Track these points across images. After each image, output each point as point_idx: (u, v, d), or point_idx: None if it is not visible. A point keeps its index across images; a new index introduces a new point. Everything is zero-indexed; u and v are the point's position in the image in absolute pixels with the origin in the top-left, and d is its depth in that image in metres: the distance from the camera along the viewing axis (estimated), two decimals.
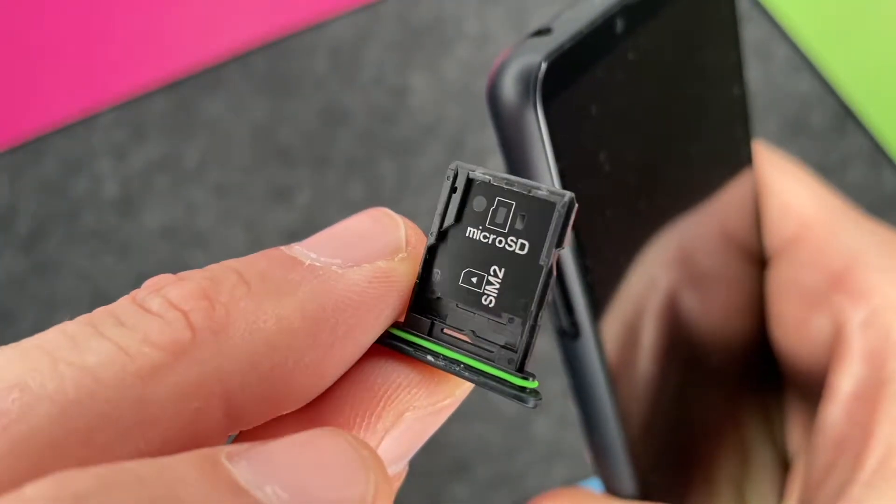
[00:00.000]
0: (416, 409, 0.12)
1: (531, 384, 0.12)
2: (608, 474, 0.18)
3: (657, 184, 0.17)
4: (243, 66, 0.41)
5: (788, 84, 0.40)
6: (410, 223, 0.14)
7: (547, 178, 0.14)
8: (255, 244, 0.39)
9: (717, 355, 0.21)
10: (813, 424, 0.22)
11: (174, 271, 0.37)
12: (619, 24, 0.15)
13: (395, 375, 0.13)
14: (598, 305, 0.16)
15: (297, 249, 0.13)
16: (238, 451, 0.10)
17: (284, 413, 0.12)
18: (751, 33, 0.40)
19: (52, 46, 0.41)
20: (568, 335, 0.16)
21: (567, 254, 0.15)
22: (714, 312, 0.21)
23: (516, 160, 0.14)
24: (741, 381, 0.23)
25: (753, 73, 0.40)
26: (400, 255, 0.13)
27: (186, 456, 0.10)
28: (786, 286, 0.21)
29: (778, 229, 0.21)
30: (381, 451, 0.12)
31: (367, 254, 0.13)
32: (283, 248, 0.13)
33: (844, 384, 0.19)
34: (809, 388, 0.23)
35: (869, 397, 0.19)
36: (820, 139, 0.40)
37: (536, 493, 0.39)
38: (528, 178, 0.14)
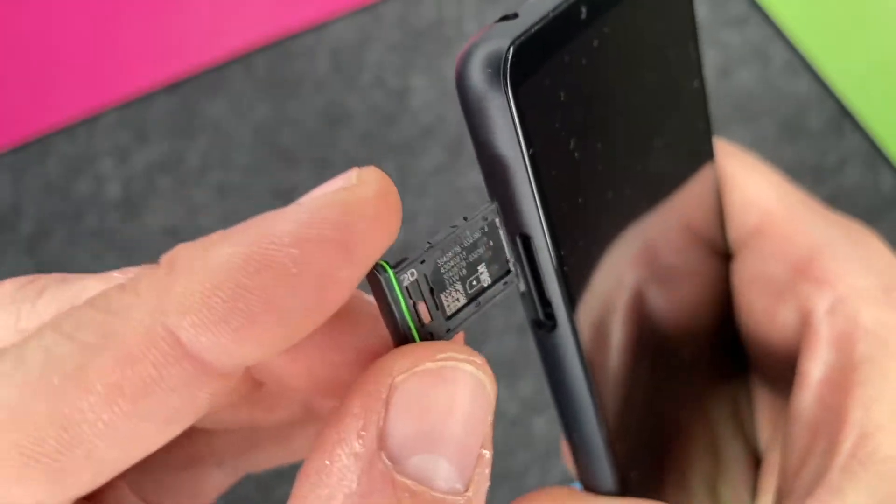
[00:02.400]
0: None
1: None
2: (587, 471, 0.18)
3: (625, 175, 0.17)
4: (245, 67, 0.41)
5: (786, 85, 0.40)
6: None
7: (519, 164, 0.14)
8: None
9: (685, 350, 0.21)
10: (782, 418, 0.23)
11: None
12: (584, 12, 0.15)
13: (369, 341, 0.14)
14: (573, 296, 0.15)
15: None
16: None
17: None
18: (749, 35, 0.40)
19: (54, 48, 0.42)
20: (545, 327, 0.16)
21: (541, 242, 0.15)
22: (681, 307, 0.21)
23: (486, 145, 0.14)
24: (710, 376, 0.23)
25: (752, 75, 0.40)
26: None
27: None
28: (751, 278, 0.22)
29: (741, 222, 0.22)
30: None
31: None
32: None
33: (815, 371, 0.19)
34: (778, 380, 0.23)
35: (840, 382, 0.19)
36: (818, 140, 0.40)
37: (565, 479, 0.39)
38: (498, 164, 0.14)
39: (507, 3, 0.41)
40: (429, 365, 0.12)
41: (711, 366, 0.23)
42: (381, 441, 0.12)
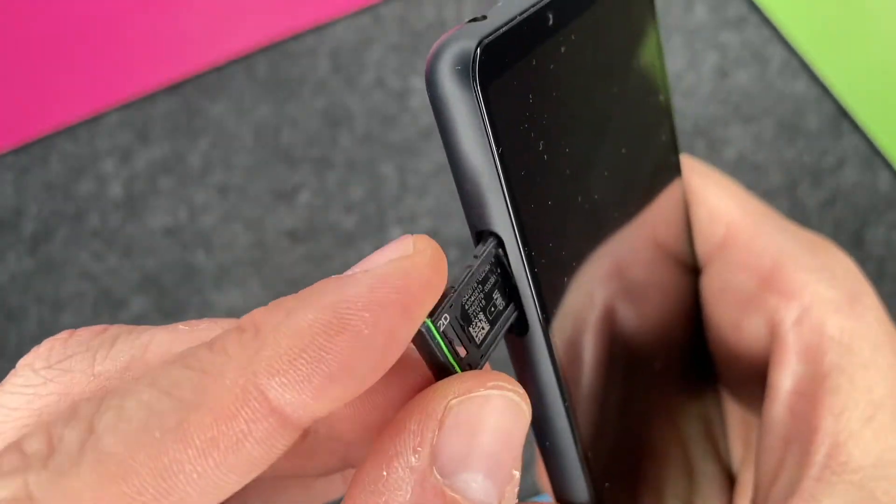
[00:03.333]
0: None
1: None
2: (561, 483, 0.18)
3: (594, 183, 0.17)
4: (246, 68, 0.41)
5: (785, 87, 0.40)
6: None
7: (488, 161, 0.14)
8: (257, 244, 0.39)
9: (657, 366, 0.21)
10: (753, 436, 0.23)
11: (178, 271, 0.38)
12: (551, 18, 0.15)
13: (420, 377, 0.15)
14: (544, 300, 0.15)
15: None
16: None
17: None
18: (748, 36, 0.40)
19: (56, 49, 0.42)
20: (514, 331, 0.16)
21: (511, 241, 0.15)
22: (652, 322, 0.21)
23: (455, 144, 0.14)
24: (683, 394, 0.22)
25: (750, 76, 0.40)
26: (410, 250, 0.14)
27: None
28: (719, 290, 0.22)
29: (707, 235, 0.22)
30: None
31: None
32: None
33: (784, 382, 0.20)
34: (748, 395, 0.23)
35: (810, 393, 0.19)
36: (816, 140, 0.40)
37: (531, 492, 0.39)
38: (468, 161, 0.14)
39: None
40: (481, 391, 0.14)
41: (683, 383, 0.22)
42: (434, 457, 0.13)
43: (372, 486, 0.13)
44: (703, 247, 0.22)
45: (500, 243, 0.15)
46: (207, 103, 0.41)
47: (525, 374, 0.16)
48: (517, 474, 0.14)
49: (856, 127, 0.40)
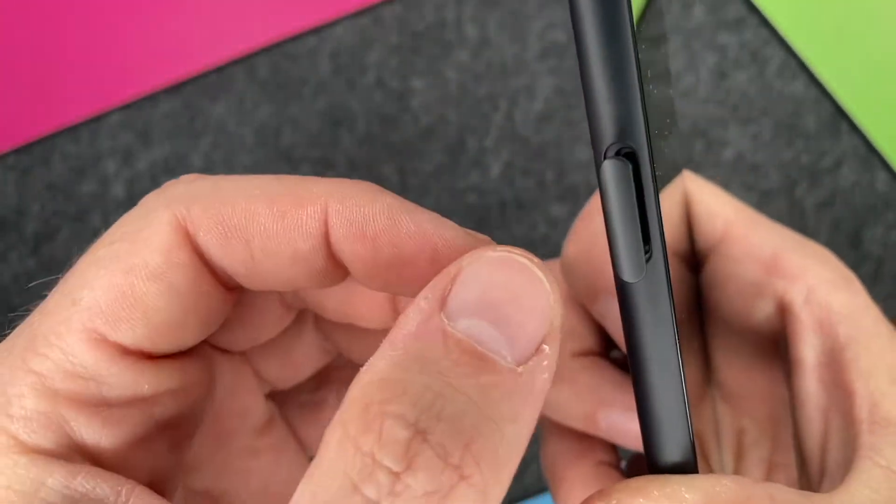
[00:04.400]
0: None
1: None
2: (666, 445, 0.16)
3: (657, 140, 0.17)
4: (247, 69, 0.41)
5: (783, 87, 0.40)
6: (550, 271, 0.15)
7: (632, 65, 0.14)
8: None
9: None
10: (747, 441, 0.24)
11: None
12: None
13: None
14: (663, 236, 0.15)
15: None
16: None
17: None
18: (746, 38, 0.41)
19: (58, 49, 0.42)
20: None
21: (645, 159, 0.14)
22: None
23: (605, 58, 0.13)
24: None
25: (749, 77, 0.41)
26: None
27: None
28: (724, 279, 0.23)
29: (708, 231, 0.24)
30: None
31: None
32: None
33: (808, 355, 0.21)
34: (751, 389, 0.24)
35: (834, 362, 0.20)
36: (814, 141, 0.40)
37: (536, 488, 0.40)
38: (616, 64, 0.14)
39: (507, 4, 0.42)
40: (490, 254, 0.15)
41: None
42: (442, 303, 0.14)
43: (392, 330, 0.15)
44: (703, 242, 0.24)
45: (636, 163, 0.14)
46: (208, 104, 0.41)
47: (642, 315, 0.15)
48: (547, 349, 0.14)
49: (854, 127, 0.40)
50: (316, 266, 0.17)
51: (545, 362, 0.14)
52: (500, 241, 0.16)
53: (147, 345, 0.17)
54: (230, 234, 0.17)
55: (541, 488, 0.39)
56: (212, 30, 0.42)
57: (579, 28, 0.13)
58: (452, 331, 0.14)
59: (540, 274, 0.15)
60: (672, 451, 0.17)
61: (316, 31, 0.41)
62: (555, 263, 0.25)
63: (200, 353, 0.19)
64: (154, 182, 0.40)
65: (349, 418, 0.13)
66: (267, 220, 0.17)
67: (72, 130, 0.41)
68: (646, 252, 0.15)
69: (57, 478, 0.15)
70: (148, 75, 0.41)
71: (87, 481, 0.15)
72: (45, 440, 0.16)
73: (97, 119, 0.41)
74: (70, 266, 0.18)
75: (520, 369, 0.14)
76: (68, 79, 0.42)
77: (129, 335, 0.16)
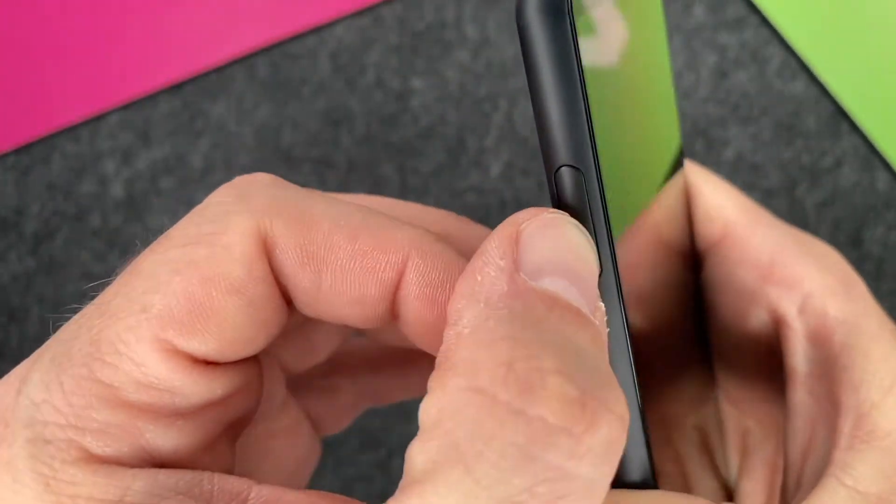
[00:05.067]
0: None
1: None
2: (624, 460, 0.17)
3: (627, 146, 0.18)
4: (247, 69, 0.41)
5: (783, 87, 0.40)
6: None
7: (577, 97, 0.15)
8: None
9: (659, 372, 0.21)
10: (751, 441, 0.24)
11: None
12: None
13: None
14: (613, 244, 0.16)
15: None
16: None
17: None
18: (746, 37, 0.41)
19: (57, 49, 0.42)
20: None
21: (591, 175, 0.15)
22: (661, 322, 0.21)
23: (544, 77, 0.15)
24: (679, 404, 0.22)
25: (749, 77, 0.41)
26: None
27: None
28: (721, 284, 0.23)
29: (707, 232, 0.23)
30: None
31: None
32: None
33: (800, 367, 0.21)
34: (750, 391, 0.24)
35: (826, 373, 0.20)
36: (814, 141, 0.40)
37: None
38: (553, 95, 0.15)
39: (507, 4, 0.42)
40: (546, 215, 0.15)
41: (680, 391, 0.22)
42: (517, 264, 0.14)
43: (470, 291, 0.14)
44: (702, 242, 0.23)
45: (582, 177, 0.15)
46: (208, 104, 0.41)
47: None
48: (602, 306, 0.15)
49: (854, 127, 0.40)
50: (373, 311, 0.17)
51: (604, 318, 0.15)
52: None
53: (216, 355, 0.16)
54: (306, 261, 0.17)
55: None
56: (211, 30, 0.42)
57: (530, 61, 0.15)
58: (545, 289, 0.14)
59: (584, 237, 0.15)
60: (631, 467, 0.17)
61: (316, 31, 0.41)
62: None
63: None
64: (153, 182, 0.40)
65: (490, 381, 0.13)
66: (345, 256, 0.17)
67: (71, 130, 0.41)
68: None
69: (139, 483, 0.15)
70: (147, 75, 0.41)
71: (169, 478, 0.15)
72: (119, 451, 0.15)
73: (97, 119, 0.41)
74: (129, 260, 0.18)
75: (595, 318, 0.15)
76: (68, 78, 0.42)
77: (202, 347, 0.16)
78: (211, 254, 0.16)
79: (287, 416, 0.22)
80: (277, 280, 0.17)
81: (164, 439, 0.16)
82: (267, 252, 0.17)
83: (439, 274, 0.16)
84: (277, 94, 0.41)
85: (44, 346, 0.17)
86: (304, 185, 0.44)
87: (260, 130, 0.41)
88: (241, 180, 0.18)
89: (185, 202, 0.40)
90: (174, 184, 0.40)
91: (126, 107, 0.41)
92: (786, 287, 0.21)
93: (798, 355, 0.21)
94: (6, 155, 0.41)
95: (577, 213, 0.15)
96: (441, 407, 0.13)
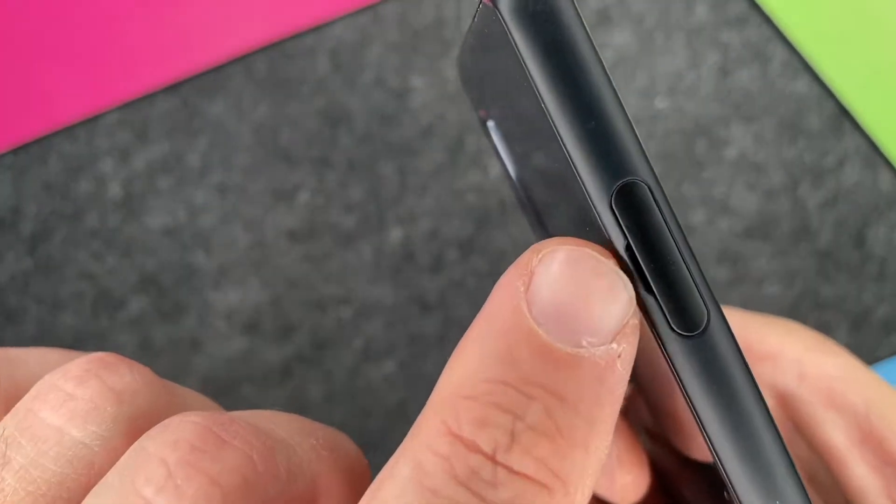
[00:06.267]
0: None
1: None
2: None
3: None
4: (245, 67, 0.41)
5: (786, 86, 0.40)
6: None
7: (616, 97, 0.12)
8: (256, 244, 0.39)
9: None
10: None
11: (177, 271, 0.38)
12: None
13: None
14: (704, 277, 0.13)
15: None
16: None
17: None
18: (749, 35, 0.40)
19: (54, 48, 0.42)
20: (695, 330, 0.13)
21: (661, 197, 0.13)
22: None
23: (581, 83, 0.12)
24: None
25: (751, 75, 0.40)
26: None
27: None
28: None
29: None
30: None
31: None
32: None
33: (837, 439, 0.19)
34: None
35: (869, 436, 0.19)
36: (817, 140, 0.40)
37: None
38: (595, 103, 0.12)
39: None
40: (567, 247, 0.13)
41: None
42: (528, 301, 0.13)
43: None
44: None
45: (651, 193, 0.13)
46: (206, 103, 0.41)
47: (713, 382, 0.13)
48: (615, 346, 0.13)
49: (857, 126, 0.40)
50: None
51: (621, 362, 0.13)
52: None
53: None
54: None
55: None
56: (209, 28, 0.42)
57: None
58: (540, 332, 0.13)
59: (615, 270, 0.13)
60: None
61: (314, 29, 0.41)
62: None
63: None
64: (151, 182, 0.40)
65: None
66: None
67: (68, 130, 0.41)
68: (696, 318, 0.13)
69: None
70: (145, 74, 0.41)
71: None
72: None
73: (94, 118, 0.41)
74: None
75: (600, 369, 0.13)
76: (65, 78, 0.41)
77: None
78: None
79: None
80: None
81: None
82: None
83: None
84: (276, 92, 0.41)
85: None
86: (303, 184, 0.43)
87: (258, 129, 0.40)
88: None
89: (183, 202, 0.40)
90: (172, 183, 0.40)
91: (124, 106, 0.41)
92: (772, 360, 0.20)
93: (829, 427, 0.19)
94: (3, 155, 0.41)
95: (654, 241, 0.13)
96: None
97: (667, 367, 0.13)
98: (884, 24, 0.39)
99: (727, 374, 0.13)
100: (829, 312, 0.39)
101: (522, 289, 0.13)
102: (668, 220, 0.13)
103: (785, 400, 0.20)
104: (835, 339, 0.38)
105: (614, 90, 0.12)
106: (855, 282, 0.39)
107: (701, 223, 0.39)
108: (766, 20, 0.40)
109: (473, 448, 0.12)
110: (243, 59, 0.41)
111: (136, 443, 0.14)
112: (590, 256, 0.13)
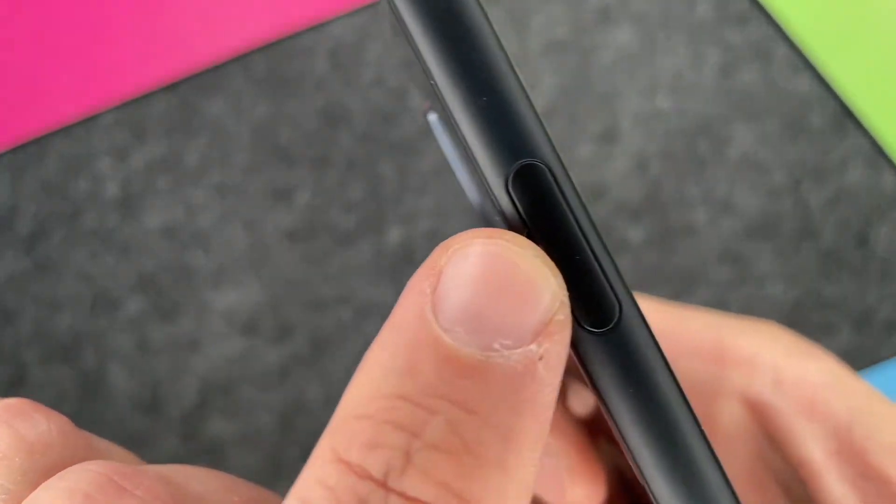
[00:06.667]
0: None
1: None
2: None
3: None
4: (244, 66, 0.41)
5: (788, 84, 0.40)
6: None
7: (512, 73, 0.11)
8: (255, 244, 0.39)
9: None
10: None
11: (175, 271, 0.38)
12: None
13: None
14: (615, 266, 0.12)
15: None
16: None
17: None
18: (751, 34, 0.40)
19: (53, 47, 0.42)
20: (604, 323, 0.12)
21: (564, 178, 0.12)
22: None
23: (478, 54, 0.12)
24: None
25: (754, 74, 0.40)
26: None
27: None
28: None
29: None
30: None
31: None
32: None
33: (813, 451, 0.18)
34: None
35: (849, 448, 0.18)
36: (820, 139, 0.40)
37: None
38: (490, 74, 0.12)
39: (507, 2, 0.41)
40: (481, 242, 0.12)
41: None
42: (434, 305, 0.12)
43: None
44: None
45: (553, 176, 0.12)
46: (205, 102, 0.41)
47: (627, 379, 0.12)
48: (535, 348, 0.12)
49: (860, 126, 0.40)
50: None
51: (544, 365, 0.12)
52: None
53: None
54: None
55: None
56: (208, 27, 0.41)
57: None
58: (445, 338, 0.12)
59: (537, 261, 0.12)
60: None
61: (313, 28, 0.41)
62: None
63: None
64: (149, 181, 0.40)
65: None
66: None
67: (66, 129, 0.41)
68: (606, 309, 0.12)
69: None
70: (143, 73, 0.41)
71: None
72: None
73: (92, 118, 0.41)
74: None
75: (516, 375, 0.12)
76: (62, 77, 0.41)
77: None
78: None
79: None
80: None
81: None
82: None
83: None
84: (275, 92, 0.41)
85: None
86: (302, 184, 0.43)
87: (257, 128, 0.40)
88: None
89: (181, 201, 0.40)
90: (170, 182, 0.40)
91: (122, 105, 0.41)
92: (747, 365, 0.19)
93: (804, 438, 0.18)
94: (1, 154, 0.40)
95: (555, 228, 0.12)
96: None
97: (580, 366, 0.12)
98: (887, 22, 0.39)
99: (643, 373, 0.12)
100: (831, 313, 0.39)
101: (429, 291, 0.12)
102: (573, 205, 0.12)
103: (757, 408, 0.19)
104: (837, 339, 0.38)
105: (510, 61, 0.11)
106: (857, 282, 0.39)
107: (703, 223, 0.39)
108: (769, 18, 0.40)
109: (362, 474, 0.11)
110: (242, 59, 0.41)
111: (32, 493, 0.13)
112: (506, 248, 0.12)
